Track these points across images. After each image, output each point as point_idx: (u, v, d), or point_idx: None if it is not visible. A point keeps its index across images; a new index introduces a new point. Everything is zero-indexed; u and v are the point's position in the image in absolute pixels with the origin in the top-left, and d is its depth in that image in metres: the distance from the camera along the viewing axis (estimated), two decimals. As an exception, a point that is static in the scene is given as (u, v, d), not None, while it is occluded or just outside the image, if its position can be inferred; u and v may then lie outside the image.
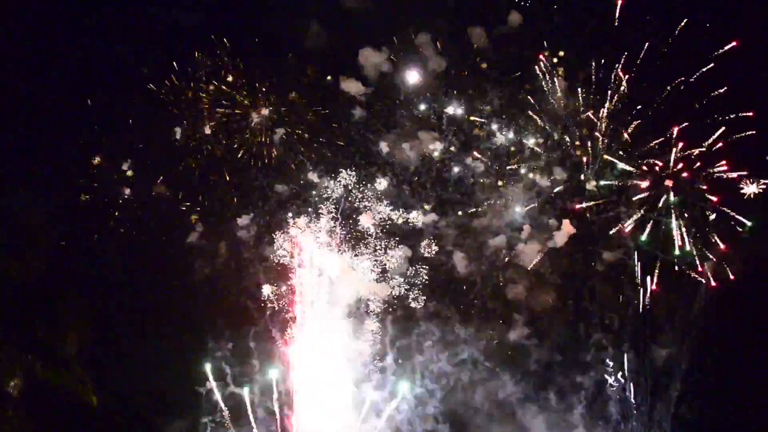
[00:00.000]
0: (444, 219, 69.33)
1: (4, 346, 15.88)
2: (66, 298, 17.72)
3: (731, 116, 45.95)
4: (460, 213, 68.85)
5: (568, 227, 67.72)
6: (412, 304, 72.15)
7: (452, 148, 67.16)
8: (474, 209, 69.61)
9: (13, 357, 16.40)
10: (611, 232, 64.24)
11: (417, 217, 71.40)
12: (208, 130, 68.05)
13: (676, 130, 46.09)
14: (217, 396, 65.03)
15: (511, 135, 68.56)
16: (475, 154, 69.57)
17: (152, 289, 69.83)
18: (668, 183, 52.47)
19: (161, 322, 70.79)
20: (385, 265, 72.63)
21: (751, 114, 42.51)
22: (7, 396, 16.38)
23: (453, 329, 70.97)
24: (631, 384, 61.54)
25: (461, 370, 68.85)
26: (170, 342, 70.78)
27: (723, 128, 43.71)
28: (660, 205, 54.02)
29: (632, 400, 63.91)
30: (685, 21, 43.90)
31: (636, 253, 60.47)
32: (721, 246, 45.65)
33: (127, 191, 67.59)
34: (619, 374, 62.94)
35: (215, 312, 68.72)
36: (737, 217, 45.02)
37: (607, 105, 53.67)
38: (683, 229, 52.59)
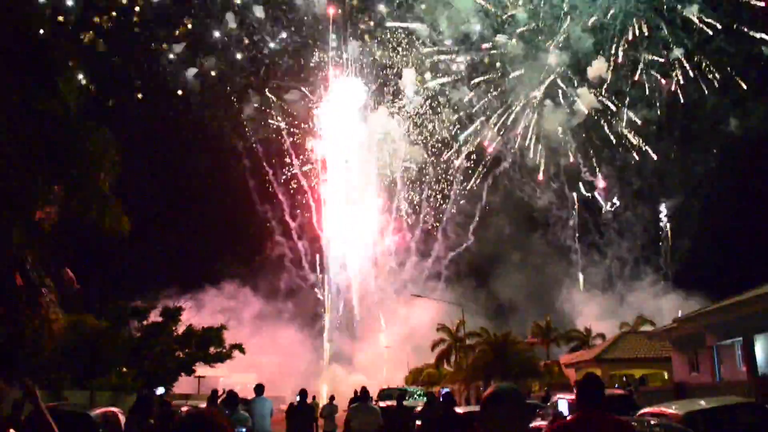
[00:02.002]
0: (475, 93, 77.74)
1: (37, 179, 15.62)
2: (99, 130, 17.44)
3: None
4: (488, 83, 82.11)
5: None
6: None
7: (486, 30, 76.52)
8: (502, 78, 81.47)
9: (45, 190, 16.20)
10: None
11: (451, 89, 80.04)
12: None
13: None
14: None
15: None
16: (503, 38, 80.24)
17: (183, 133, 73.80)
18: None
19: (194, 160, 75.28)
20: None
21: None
22: (37, 227, 16.23)
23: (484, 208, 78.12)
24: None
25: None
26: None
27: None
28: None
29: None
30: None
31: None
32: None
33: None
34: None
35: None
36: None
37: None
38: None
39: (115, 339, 28.60)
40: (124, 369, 30.50)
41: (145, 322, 33.40)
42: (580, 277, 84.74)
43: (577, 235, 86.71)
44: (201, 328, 35.06)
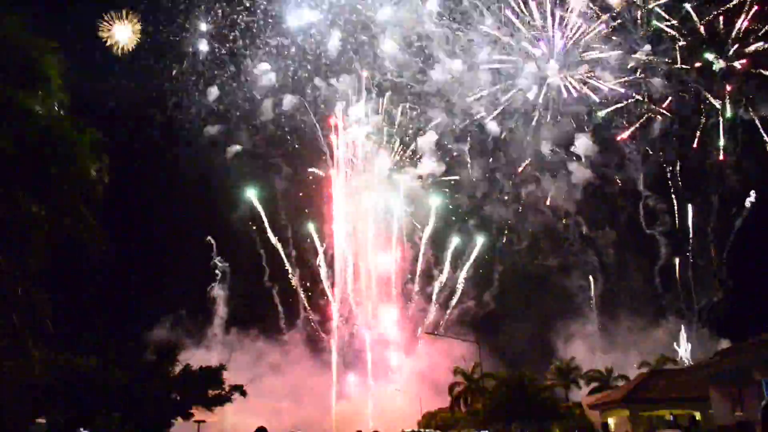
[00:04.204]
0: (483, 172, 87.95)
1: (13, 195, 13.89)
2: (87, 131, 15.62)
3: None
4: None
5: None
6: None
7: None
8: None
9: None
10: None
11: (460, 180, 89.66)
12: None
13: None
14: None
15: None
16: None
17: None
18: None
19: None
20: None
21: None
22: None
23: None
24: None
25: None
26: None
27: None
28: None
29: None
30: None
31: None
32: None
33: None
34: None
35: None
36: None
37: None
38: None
39: (102, 380, 26.28)
40: (114, 414, 28.16)
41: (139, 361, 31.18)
42: (595, 320, 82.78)
43: (593, 291, 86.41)
44: (198, 367, 32.64)
